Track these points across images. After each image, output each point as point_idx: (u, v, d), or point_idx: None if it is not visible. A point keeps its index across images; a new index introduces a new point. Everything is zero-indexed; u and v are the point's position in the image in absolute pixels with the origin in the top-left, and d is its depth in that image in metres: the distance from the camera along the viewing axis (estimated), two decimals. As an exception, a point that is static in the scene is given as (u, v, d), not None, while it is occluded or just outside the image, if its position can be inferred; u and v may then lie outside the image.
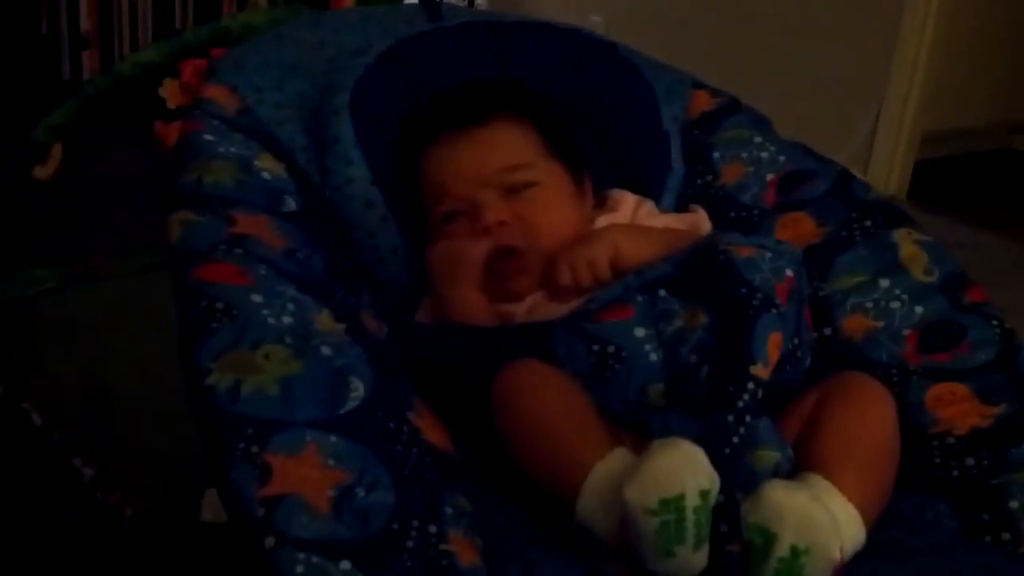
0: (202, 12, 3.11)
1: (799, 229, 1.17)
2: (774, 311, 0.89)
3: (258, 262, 0.89)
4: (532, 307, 1.02)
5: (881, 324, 1.05)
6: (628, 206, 1.11)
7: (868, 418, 0.87)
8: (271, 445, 0.74)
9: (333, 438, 0.77)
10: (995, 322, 1.03)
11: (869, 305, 1.07)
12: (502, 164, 1.04)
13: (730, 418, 0.82)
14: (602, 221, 1.08)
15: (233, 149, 1.05)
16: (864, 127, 2.70)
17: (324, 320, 0.88)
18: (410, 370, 0.93)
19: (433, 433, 0.87)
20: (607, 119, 1.23)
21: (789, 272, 0.93)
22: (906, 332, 1.04)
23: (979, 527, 0.86)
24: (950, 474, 0.91)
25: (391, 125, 1.13)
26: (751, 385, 0.83)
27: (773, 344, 0.87)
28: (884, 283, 1.08)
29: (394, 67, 1.18)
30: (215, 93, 1.12)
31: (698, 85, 1.37)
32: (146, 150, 2.11)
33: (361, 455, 0.77)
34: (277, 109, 1.15)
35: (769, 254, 0.93)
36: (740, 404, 0.82)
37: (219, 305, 0.83)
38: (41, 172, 2.03)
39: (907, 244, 1.11)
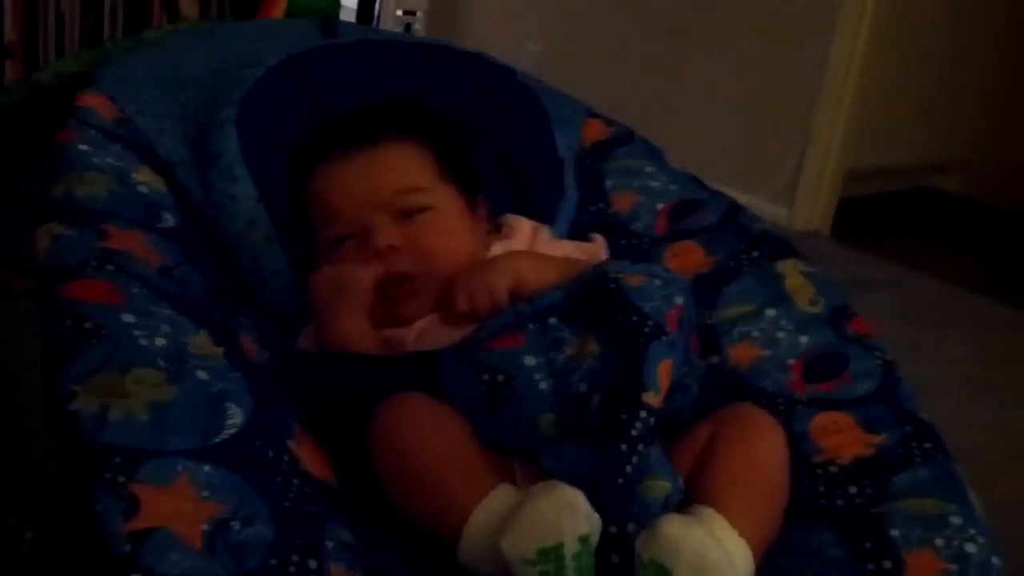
0: (131, 24, 2.99)
1: (688, 258, 1.18)
2: (664, 339, 0.88)
3: (131, 280, 0.84)
4: (423, 332, 0.99)
5: (767, 353, 1.07)
6: (524, 232, 1.10)
7: (759, 451, 0.87)
8: (139, 475, 0.70)
9: (207, 468, 0.72)
10: (877, 353, 1.05)
11: (756, 334, 1.08)
12: (395, 187, 1.02)
13: (623, 447, 0.81)
14: (498, 247, 1.07)
15: (109, 160, 1.00)
16: (789, 163, 2.74)
17: (201, 342, 0.83)
18: (292, 398, 0.89)
19: (314, 463, 0.83)
20: (503, 143, 1.22)
21: (678, 300, 0.93)
22: (791, 361, 1.05)
23: (863, 556, 0.87)
24: (834, 503, 0.92)
25: (280, 141, 1.10)
26: (643, 413, 0.83)
27: (664, 372, 0.87)
28: (770, 313, 1.09)
29: (285, 81, 1.15)
30: (93, 102, 1.07)
31: (592, 115, 1.37)
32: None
33: (237, 486, 0.73)
34: (159, 120, 1.11)
35: (658, 282, 0.93)
36: (633, 433, 0.81)
37: (87, 325, 0.78)
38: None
39: (793, 275, 1.12)
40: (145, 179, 1.01)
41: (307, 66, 1.18)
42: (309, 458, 0.83)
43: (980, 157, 3.26)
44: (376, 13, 3.40)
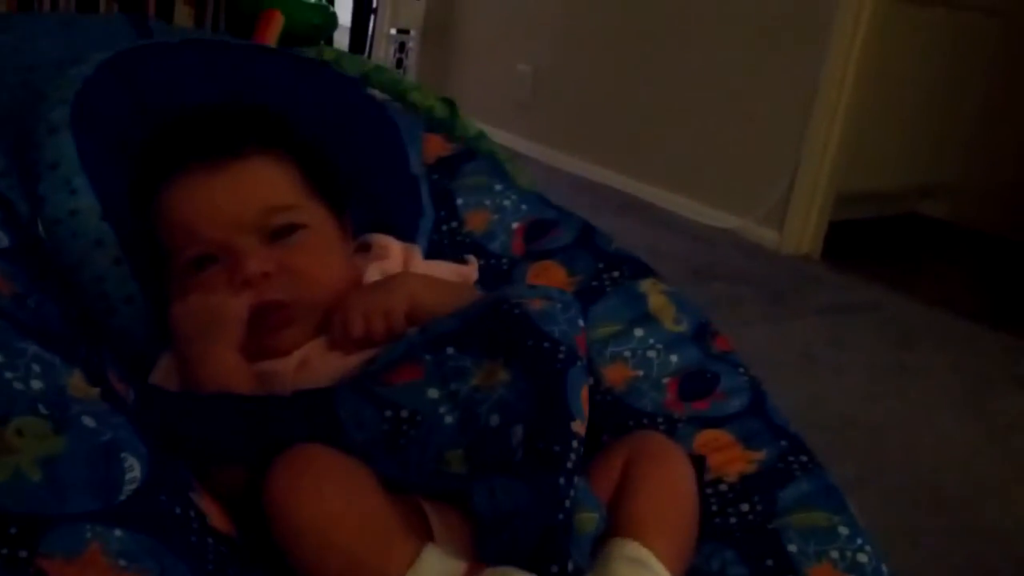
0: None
1: (551, 277, 1.16)
2: (580, 363, 0.86)
3: (-13, 311, 0.71)
4: (304, 361, 0.91)
5: (641, 373, 1.07)
6: (396, 253, 1.04)
7: (675, 482, 0.87)
8: (44, 547, 0.59)
9: (118, 532, 0.62)
10: (741, 370, 1.09)
11: (627, 354, 1.08)
12: (263, 204, 0.92)
13: (561, 480, 0.77)
14: (373, 269, 1.00)
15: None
16: (780, 187, 2.74)
17: (77, 384, 0.71)
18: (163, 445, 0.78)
19: (218, 517, 0.74)
20: (357, 158, 1.15)
21: (581, 323, 0.91)
22: (665, 380, 1.06)
23: (766, 573, 0.89)
24: (728, 521, 0.94)
25: (118, 148, 0.97)
26: (575, 443, 0.80)
27: (584, 398, 0.84)
28: (639, 332, 1.10)
29: (117, 80, 1.02)
30: None
31: (429, 129, 1.33)
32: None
33: (154, 551, 0.63)
34: (-32, 123, 0.95)
35: (559, 305, 0.91)
36: (568, 465, 0.78)
37: (-55, 370, 0.65)
38: None
39: (655, 294, 1.14)
40: (-36, 192, 0.86)
41: (138, 64, 1.06)
42: (212, 512, 0.73)
43: (967, 182, 3.37)
44: (370, 32, 3.30)
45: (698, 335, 1.11)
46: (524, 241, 1.21)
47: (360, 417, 0.82)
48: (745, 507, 0.94)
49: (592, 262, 1.17)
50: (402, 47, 3.70)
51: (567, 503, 0.77)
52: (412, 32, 3.73)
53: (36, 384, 0.68)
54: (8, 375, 0.66)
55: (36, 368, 0.69)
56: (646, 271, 1.17)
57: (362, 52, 3.21)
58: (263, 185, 0.93)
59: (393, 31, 3.68)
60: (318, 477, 0.74)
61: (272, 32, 1.97)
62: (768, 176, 2.79)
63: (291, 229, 0.93)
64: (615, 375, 1.07)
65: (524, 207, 1.25)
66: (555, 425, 0.80)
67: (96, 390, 0.73)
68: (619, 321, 1.11)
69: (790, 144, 2.74)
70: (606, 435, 1.02)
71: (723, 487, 0.96)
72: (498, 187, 1.26)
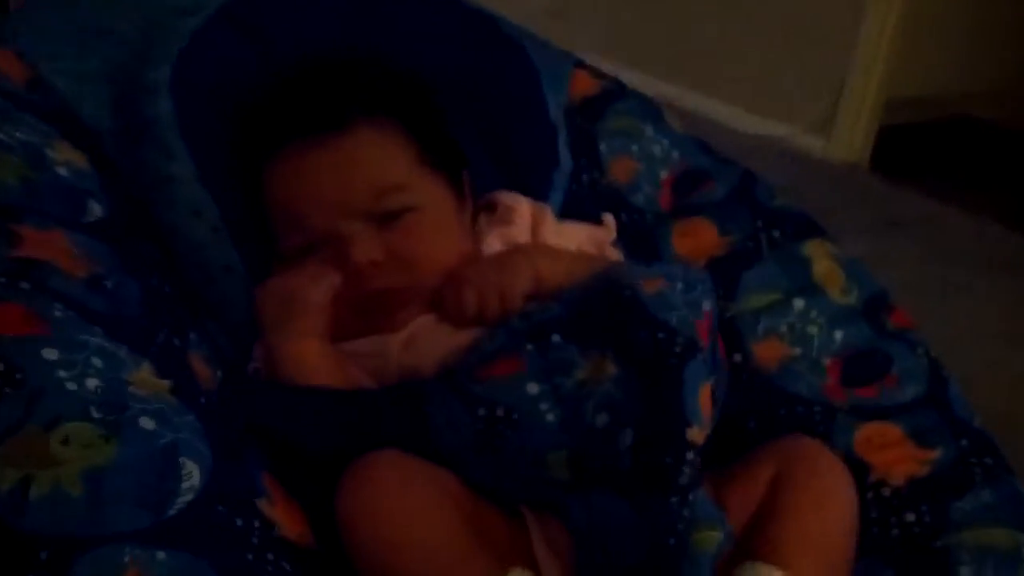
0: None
1: (700, 238, 1.03)
2: (700, 357, 0.74)
3: (52, 300, 0.67)
4: (411, 338, 0.84)
5: (798, 351, 0.94)
6: (524, 217, 0.94)
7: (831, 508, 0.75)
8: (76, 572, 0.54)
9: (161, 555, 0.57)
10: (920, 350, 0.93)
11: (783, 329, 0.95)
12: (371, 186, 0.84)
13: (673, 500, 0.67)
14: (495, 236, 0.91)
15: (19, 135, 0.81)
16: (829, 92, 2.57)
17: (143, 378, 0.67)
18: (251, 436, 0.73)
19: (289, 523, 0.68)
20: (488, 107, 1.05)
21: (707, 306, 0.78)
22: (826, 361, 0.93)
23: (928, 602, 0.76)
24: (889, 532, 0.81)
25: (224, 110, 0.91)
26: (690, 455, 0.69)
27: (705, 399, 0.73)
28: (799, 304, 0.96)
29: (228, 33, 0.96)
30: (-4, 60, 0.87)
31: (579, 64, 1.21)
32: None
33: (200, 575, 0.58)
34: (79, 82, 0.92)
35: (680, 285, 0.78)
36: (681, 481, 0.68)
37: (-3, 367, 0.61)
38: None
39: (821, 258, 0.99)
40: (65, 157, 0.82)
41: (255, 12, 0.99)
42: (283, 518, 0.68)
43: (1021, 86, 3.09)
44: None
45: (870, 308, 0.96)
46: (673, 194, 1.08)
47: (451, 416, 0.74)
48: (911, 517, 0.81)
49: (749, 219, 1.03)
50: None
51: (680, 526, 0.67)
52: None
53: (92, 382, 0.63)
54: (61, 374, 0.62)
55: (96, 363, 0.65)
56: (812, 230, 1.02)
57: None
58: (371, 164, 0.84)
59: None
60: (391, 492, 0.68)
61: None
62: (816, 81, 2.60)
63: (401, 211, 0.85)
64: (767, 353, 0.94)
65: (676, 154, 1.11)
66: (667, 433, 0.70)
67: (166, 383, 0.68)
68: (776, 290, 0.97)
69: (840, 46, 2.52)
70: (753, 422, 0.90)
71: (886, 492, 0.83)
72: (648, 131, 1.13)
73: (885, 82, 2.54)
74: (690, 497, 0.68)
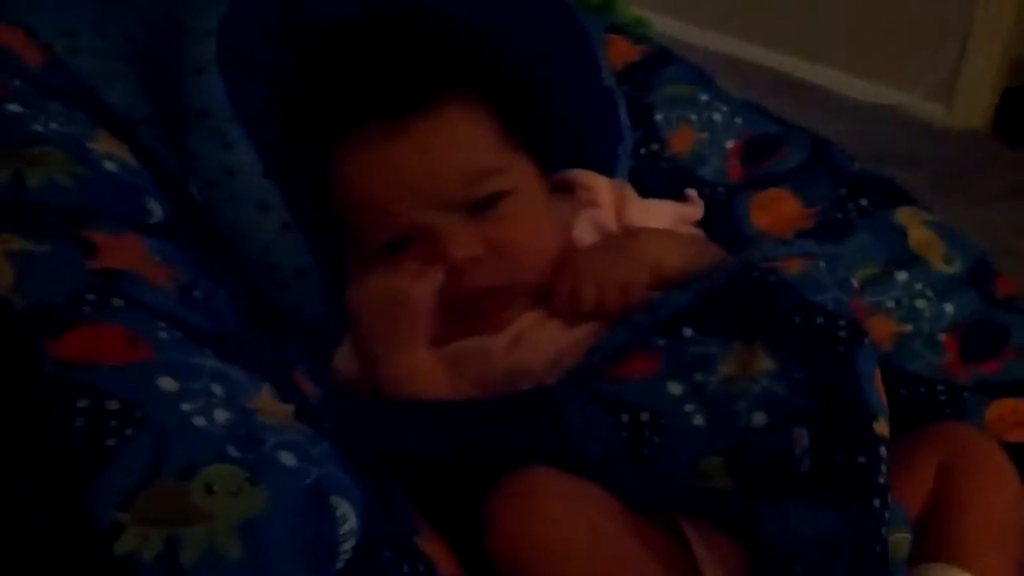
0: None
1: (781, 210, 0.97)
2: (866, 340, 0.67)
3: (152, 318, 0.56)
4: (518, 337, 0.75)
5: (910, 327, 0.88)
6: (606, 196, 0.85)
7: (1005, 499, 0.70)
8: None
9: (342, 619, 0.48)
10: (1035, 319, 0.88)
11: (890, 304, 0.89)
12: (464, 173, 0.74)
13: (876, 502, 0.60)
14: (583, 222, 0.82)
15: (55, 126, 0.68)
16: (949, 56, 2.47)
17: (267, 404, 0.57)
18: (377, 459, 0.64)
19: (446, 561, 0.59)
20: (545, 75, 0.95)
21: (855, 282, 0.72)
22: (941, 336, 0.87)
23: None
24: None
25: (283, 86, 0.79)
26: (883, 450, 0.62)
27: (879, 386, 0.66)
28: (901, 276, 0.90)
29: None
30: (8, 38, 0.74)
31: (613, 29, 1.12)
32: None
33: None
34: (101, 61, 0.79)
35: (822, 263, 0.71)
36: (881, 480, 0.61)
37: (111, 404, 0.50)
38: None
39: (916, 226, 0.93)
40: (107, 150, 0.70)
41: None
42: (439, 555, 0.59)
43: None
44: None
45: (975, 277, 0.91)
46: (743, 163, 1.01)
47: (591, 424, 0.65)
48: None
49: (831, 187, 0.97)
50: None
51: (884, 531, 0.60)
52: None
53: (221, 415, 0.53)
54: (186, 407, 0.52)
55: (217, 390, 0.54)
56: (900, 196, 0.96)
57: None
58: (462, 147, 0.75)
59: None
60: (554, 515, 0.59)
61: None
62: (935, 45, 2.50)
63: (497, 197, 0.76)
64: (879, 331, 0.87)
65: (739, 120, 1.04)
66: (853, 428, 0.63)
67: (289, 408, 0.58)
68: (875, 262, 0.91)
69: (960, 6, 2.43)
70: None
71: (1032, 475, 0.77)
72: (704, 97, 1.05)
73: (1010, 43, 2.43)
74: (888, 499, 0.61)
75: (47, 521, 0.49)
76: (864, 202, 0.95)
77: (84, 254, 0.58)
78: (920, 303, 0.88)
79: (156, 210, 0.69)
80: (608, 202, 0.86)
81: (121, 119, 0.77)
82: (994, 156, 2.31)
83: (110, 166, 0.69)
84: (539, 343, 0.74)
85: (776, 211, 0.96)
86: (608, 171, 0.95)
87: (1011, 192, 2.05)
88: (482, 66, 0.80)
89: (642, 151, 1.02)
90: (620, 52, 1.10)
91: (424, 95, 0.74)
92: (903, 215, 0.94)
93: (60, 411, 0.50)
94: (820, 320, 0.67)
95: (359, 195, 0.75)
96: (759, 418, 0.65)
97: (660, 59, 1.09)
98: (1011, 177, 2.17)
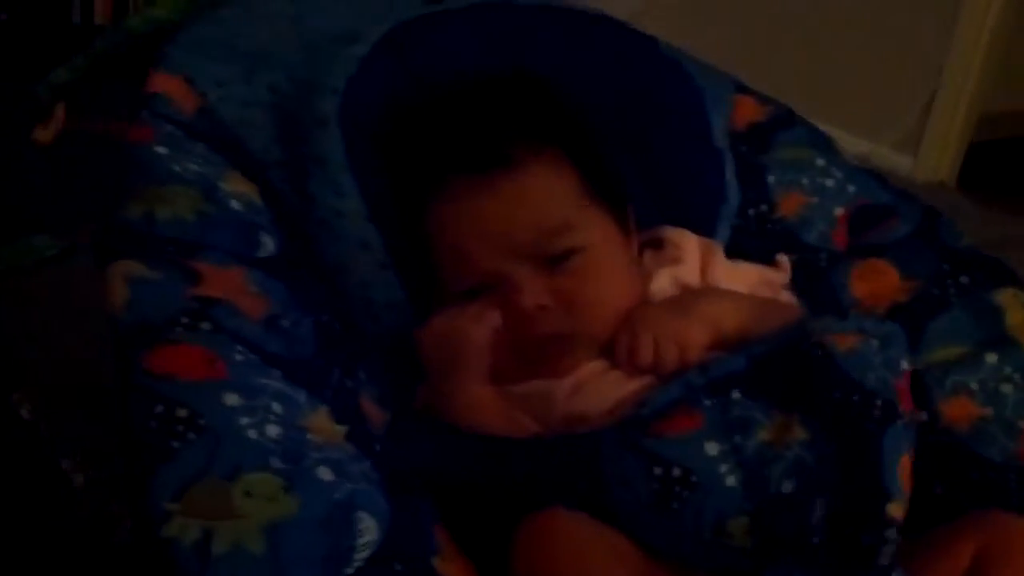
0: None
1: (881, 282, 0.97)
2: (899, 423, 0.69)
3: (232, 342, 0.66)
4: (580, 384, 0.80)
5: (990, 412, 0.86)
6: (692, 255, 0.89)
7: None
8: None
9: (340, 619, 0.55)
10: None
11: (974, 386, 0.88)
12: (538, 227, 0.80)
13: None
14: (664, 276, 0.87)
15: (193, 167, 0.81)
16: (917, 108, 2.49)
17: (321, 424, 0.66)
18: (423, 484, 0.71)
19: (464, 581, 0.66)
20: (649, 133, 1.00)
21: (904, 364, 0.73)
22: (1021, 424, 0.85)
23: None
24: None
25: (390, 142, 0.89)
26: (890, 533, 0.64)
27: (905, 470, 0.67)
28: (991, 359, 0.89)
29: (392, 62, 0.94)
30: (167, 86, 0.88)
31: (742, 89, 1.15)
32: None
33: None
34: (245, 108, 0.91)
35: (875, 341, 0.73)
36: (882, 561, 0.63)
37: (181, 412, 0.60)
38: (42, 135, 1.81)
39: (1016, 309, 0.91)
40: (237, 190, 0.82)
41: (417, 40, 0.97)
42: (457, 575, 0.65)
43: None
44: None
45: (1070, 365, 0.88)
46: (849, 232, 1.02)
47: (626, 473, 0.70)
48: None
49: (935, 262, 0.96)
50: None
51: (878, 608, 0.62)
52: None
53: (272, 430, 0.62)
54: (243, 420, 0.61)
55: (276, 408, 0.64)
56: (1006, 277, 0.95)
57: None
58: (539, 203, 0.81)
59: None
60: (571, 556, 0.64)
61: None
62: (904, 96, 2.48)
63: (570, 252, 0.81)
64: (957, 412, 0.87)
65: (851, 188, 1.05)
66: (865, 507, 0.65)
67: (342, 429, 0.67)
68: (966, 343, 0.90)
69: (930, 61, 2.41)
70: (940, 487, 0.83)
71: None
72: (820, 162, 1.07)
73: (978, 97, 2.42)
74: (894, 580, 0.63)
75: (131, 503, 0.60)
76: (965, 279, 0.94)
77: (188, 282, 0.69)
78: (1005, 388, 0.87)
79: (269, 244, 0.80)
80: (694, 260, 0.89)
81: (256, 162, 0.88)
82: (959, 210, 2.16)
83: (234, 204, 0.80)
84: (598, 391, 0.79)
85: (875, 282, 0.97)
86: (708, 231, 0.99)
87: (977, 246, 1.97)
88: (568, 123, 0.86)
89: (750, 212, 1.05)
90: (745, 112, 1.13)
91: (505, 152, 0.81)
92: (1003, 296, 0.92)
93: (140, 413, 0.60)
94: (856, 397, 0.69)
95: (446, 244, 0.83)
96: (788, 485, 0.68)
97: (783, 121, 1.12)
98: (975, 232, 2.08)
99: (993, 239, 2.09)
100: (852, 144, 2.48)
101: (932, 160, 2.48)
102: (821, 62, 2.65)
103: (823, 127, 1.09)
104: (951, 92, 2.42)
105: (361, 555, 0.59)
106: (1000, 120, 2.63)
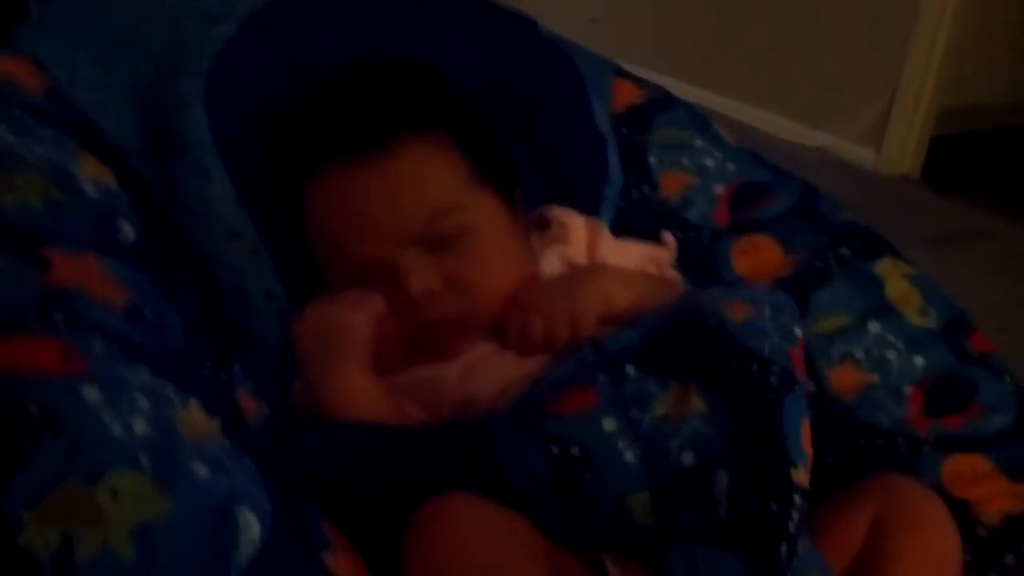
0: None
1: (762, 256, 0.98)
2: (798, 389, 0.68)
3: (90, 333, 0.60)
4: (470, 367, 0.77)
5: (876, 378, 0.88)
6: (579, 234, 0.88)
7: (940, 556, 0.69)
8: (128, 650, 0.47)
9: (224, 623, 0.51)
10: (1007, 377, 0.87)
11: (859, 354, 0.89)
12: (423, 209, 0.77)
13: (783, 549, 0.61)
14: (551, 255, 0.85)
15: (41, 151, 0.74)
16: (879, 102, 2.54)
17: (193, 418, 0.60)
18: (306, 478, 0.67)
19: (356, 576, 0.62)
20: (533, 116, 0.99)
21: (798, 332, 0.72)
22: (907, 389, 0.87)
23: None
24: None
25: (260, 124, 0.84)
26: (797, 499, 0.62)
27: (806, 435, 0.67)
28: (874, 327, 0.90)
29: (263, 41, 0.89)
30: (12, 68, 0.81)
31: (620, 73, 1.15)
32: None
33: (268, 646, 0.51)
34: (100, 92, 0.85)
35: (768, 310, 0.72)
36: (791, 528, 0.61)
37: (33, 409, 0.54)
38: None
39: (894, 278, 0.93)
40: (90, 173, 0.75)
41: (290, 18, 0.93)
42: (347, 571, 0.61)
43: None
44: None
45: (950, 331, 0.90)
46: (730, 209, 1.02)
47: (522, 455, 0.67)
48: (1009, 559, 0.75)
49: (814, 236, 0.97)
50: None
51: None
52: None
53: (140, 426, 0.56)
54: (106, 417, 0.56)
55: (142, 403, 0.58)
56: (883, 248, 0.96)
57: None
58: (422, 184, 0.78)
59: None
60: (466, 541, 0.61)
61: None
62: (866, 90, 2.55)
63: (457, 233, 0.79)
64: (844, 380, 0.88)
65: (731, 167, 1.05)
66: (770, 474, 0.63)
67: (216, 422, 0.62)
68: (849, 312, 0.91)
69: (891, 56, 2.48)
70: (831, 456, 0.83)
71: (981, 532, 0.77)
72: (699, 143, 1.07)
73: (938, 92, 2.49)
74: (799, 547, 0.62)
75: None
76: (845, 252, 0.95)
77: (39, 270, 0.63)
78: (890, 354, 0.88)
79: (128, 231, 0.73)
80: (580, 239, 0.88)
81: (113, 146, 0.82)
82: (922, 202, 2.33)
83: (89, 189, 0.74)
84: (489, 373, 0.76)
85: (757, 257, 0.97)
86: (592, 210, 0.98)
87: (938, 238, 2.05)
88: (451, 106, 0.83)
89: (633, 192, 1.04)
90: (625, 95, 1.13)
91: (385, 135, 0.77)
92: (883, 267, 0.94)
93: (-14, 413, 0.54)
94: (754, 366, 0.68)
95: (323, 229, 0.79)
96: (688, 458, 0.66)
97: (661, 103, 1.11)
98: (938, 224, 2.17)
99: (957, 229, 2.16)
100: (817, 137, 2.60)
101: (895, 154, 2.53)
102: (785, 58, 2.69)
103: (787, 122, 1.10)
104: (912, 87, 2.48)
105: (245, 556, 0.55)
106: (961, 115, 2.69)
